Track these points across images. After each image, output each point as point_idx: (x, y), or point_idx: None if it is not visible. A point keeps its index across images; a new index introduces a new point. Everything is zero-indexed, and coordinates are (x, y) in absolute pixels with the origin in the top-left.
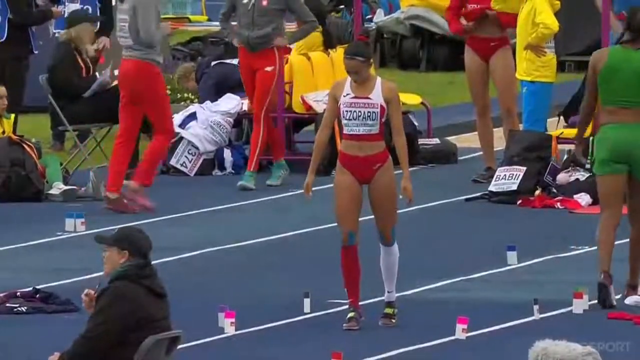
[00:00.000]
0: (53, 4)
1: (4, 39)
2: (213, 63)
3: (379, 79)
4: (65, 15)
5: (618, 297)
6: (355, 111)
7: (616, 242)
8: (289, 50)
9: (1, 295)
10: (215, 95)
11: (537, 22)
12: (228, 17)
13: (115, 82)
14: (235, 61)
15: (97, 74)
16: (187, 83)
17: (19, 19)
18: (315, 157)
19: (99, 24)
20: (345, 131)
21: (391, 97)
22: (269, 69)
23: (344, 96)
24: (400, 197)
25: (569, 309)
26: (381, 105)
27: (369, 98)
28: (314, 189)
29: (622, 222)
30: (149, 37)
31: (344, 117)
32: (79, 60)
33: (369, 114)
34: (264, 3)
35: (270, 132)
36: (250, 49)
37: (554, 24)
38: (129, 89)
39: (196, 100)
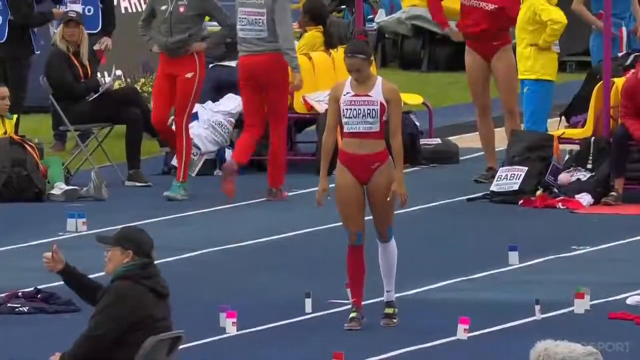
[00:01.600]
0: (55, 4)
1: (4, 39)
2: (210, 65)
3: (380, 79)
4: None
5: (618, 297)
6: (355, 109)
7: (615, 243)
8: None
9: (3, 295)
10: (213, 97)
11: (544, 20)
12: (148, 23)
13: (119, 82)
14: (233, 63)
15: (98, 73)
16: None
17: (19, 20)
18: (325, 162)
19: (100, 24)
20: (345, 129)
21: (391, 97)
22: (189, 75)
23: (344, 95)
24: (388, 199)
25: (570, 309)
26: (381, 103)
27: (369, 96)
28: (315, 189)
29: (621, 224)
30: (290, 30)
31: (344, 115)
32: (75, 61)
33: (369, 111)
34: (181, 10)
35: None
36: (170, 55)
37: (561, 17)
38: (259, 80)
39: None
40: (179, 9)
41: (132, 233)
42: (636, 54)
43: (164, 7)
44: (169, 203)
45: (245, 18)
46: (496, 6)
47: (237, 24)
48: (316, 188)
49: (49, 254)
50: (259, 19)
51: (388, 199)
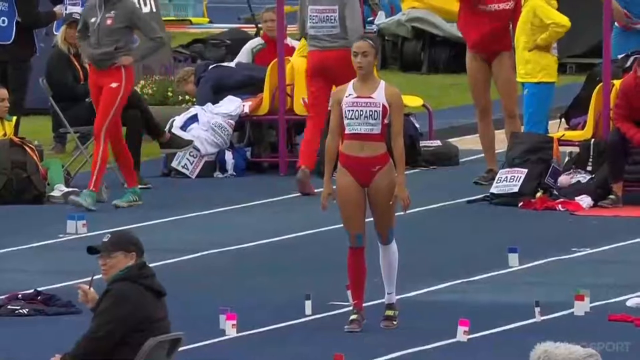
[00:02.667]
0: (54, 4)
1: (11, 40)
2: (210, 66)
3: (382, 82)
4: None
5: (618, 299)
6: (357, 110)
7: (615, 245)
8: (291, 51)
9: (3, 297)
10: (213, 99)
11: (547, 23)
12: (83, 35)
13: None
14: (232, 64)
15: None
16: (185, 86)
17: (28, 21)
18: (328, 165)
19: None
20: (346, 131)
21: (394, 101)
22: (114, 85)
23: (347, 96)
24: (391, 202)
25: (570, 311)
26: (383, 105)
27: (372, 97)
28: (316, 190)
29: (621, 226)
30: (359, 25)
31: (345, 116)
32: (76, 64)
33: (370, 113)
34: (109, 22)
35: (122, 156)
36: (97, 67)
37: (565, 21)
38: (329, 74)
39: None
40: (106, 21)
41: (128, 235)
42: (636, 56)
43: (93, 19)
44: (169, 205)
45: (316, 16)
46: (506, 6)
47: (307, 22)
48: (317, 189)
49: (85, 287)
50: (331, 15)
51: (391, 202)
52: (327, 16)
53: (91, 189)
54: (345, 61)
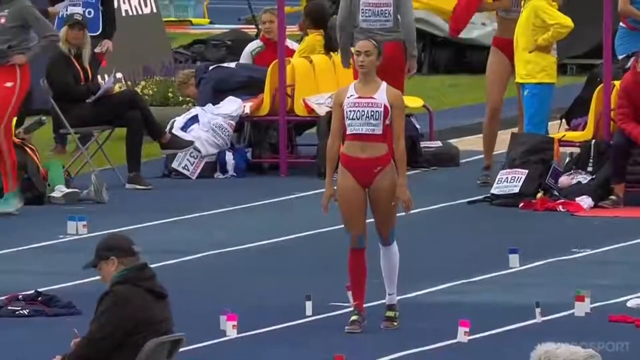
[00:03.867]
0: (51, 4)
1: None
2: (211, 67)
3: (384, 84)
4: (60, 15)
5: (619, 300)
6: (358, 110)
7: (615, 246)
8: (291, 53)
9: (3, 297)
10: (213, 99)
11: (550, 23)
12: None
13: (119, 85)
14: (233, 64)
15: (98, 76)
16: (187, 89)
17: None
18: (330, 168)
19: (101, 27)
20: (348, 131)
21: (395, 102)
22: (8, 84)
23: (348, 97)
24: (392, 204)
25: (570, 312)
26: (385, 106)
27: (373, 98)
28: (317, 191)
29: (622, 226)
30: (413, 20)
31: (347, 117)
32: (76, 64)
33: (372, 113)
34: (2, 21)
35: (10, 158)
36: None
37: (568, 22)
38: (382, 68)
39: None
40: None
41: (104, 242)
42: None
43: None
44: (170, 205)
45: (369, 10)
46: None
47: (358, 16)
48: (317, 190)
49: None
50: (386, 9)
51: (392, 204)
52: (381, 10)
53: (9, 191)
54: (397, 53)
